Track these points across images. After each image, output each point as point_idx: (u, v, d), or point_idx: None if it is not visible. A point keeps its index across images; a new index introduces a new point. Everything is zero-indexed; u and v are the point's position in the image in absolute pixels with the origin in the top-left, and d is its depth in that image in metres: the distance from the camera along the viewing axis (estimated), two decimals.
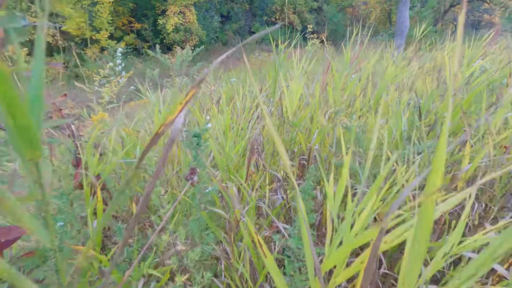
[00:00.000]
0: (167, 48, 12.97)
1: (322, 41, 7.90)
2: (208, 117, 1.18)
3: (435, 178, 0.33)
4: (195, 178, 0.48)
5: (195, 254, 0.61)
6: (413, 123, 1.57)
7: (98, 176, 1.17)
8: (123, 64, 1.99)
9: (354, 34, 1.98)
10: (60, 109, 1.12)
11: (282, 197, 1.08)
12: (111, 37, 11.85)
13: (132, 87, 2.45)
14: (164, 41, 12.94)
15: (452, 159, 1.40)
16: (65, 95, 1.11)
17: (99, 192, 0.81)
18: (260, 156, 1.45)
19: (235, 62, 12.65)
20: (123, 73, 1.53)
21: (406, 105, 1.63)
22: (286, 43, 2.30)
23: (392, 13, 16.58)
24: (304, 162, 1.67)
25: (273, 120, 1.84)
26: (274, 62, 1.95)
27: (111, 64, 1.69)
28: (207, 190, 0.77)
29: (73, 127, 0.94)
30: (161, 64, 7.28)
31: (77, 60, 1.92)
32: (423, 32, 3.23)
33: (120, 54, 2.25)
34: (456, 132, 1.47)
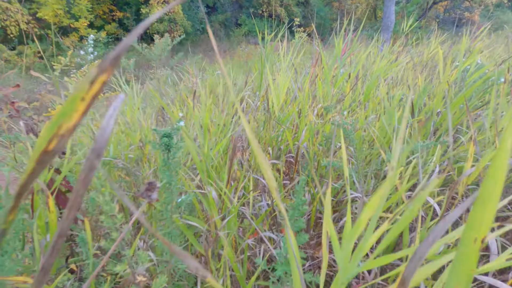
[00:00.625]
0: (151, 39, 12.54)
1: (309, 35, 7.81)
2: (181, 114, 1.05)
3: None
4: (154, 195, 0.36)
5: (160, 283, 0.50)
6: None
7: (64, 178, 1.03)
8: (95, 53, 1.83)
9: (345, 26, 1.89)
10: (13, 102, 0.97)
11: (268, 204, 0.98)
12: (91, 25, 11.34)
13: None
14: (148, 31, 12.50)
15: (445, 158, 1.34)
16: (18, 85, 0.96)
17: (51, 201, 0.68)
18: (244, 154, 1.34)
19: (221, 54, 12.39)
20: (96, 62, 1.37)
21: (398, 101, 1.55)
22: (272, 34, 2.18)
23: (377, 8, 16.66)
24: (291, 159, 1.58)
25: (258, 116, 1.72)
26: (260, 54, 1.84)
27: (82, 53, 1.52)
28: (180, 200, 0.65)
29: (21, 122, 0.79)
30: (144, 56, 7.00)
31: (41, 50, 1.73)
32: (410, 27, 3.19)
33: (92, 42, 2.07)
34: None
